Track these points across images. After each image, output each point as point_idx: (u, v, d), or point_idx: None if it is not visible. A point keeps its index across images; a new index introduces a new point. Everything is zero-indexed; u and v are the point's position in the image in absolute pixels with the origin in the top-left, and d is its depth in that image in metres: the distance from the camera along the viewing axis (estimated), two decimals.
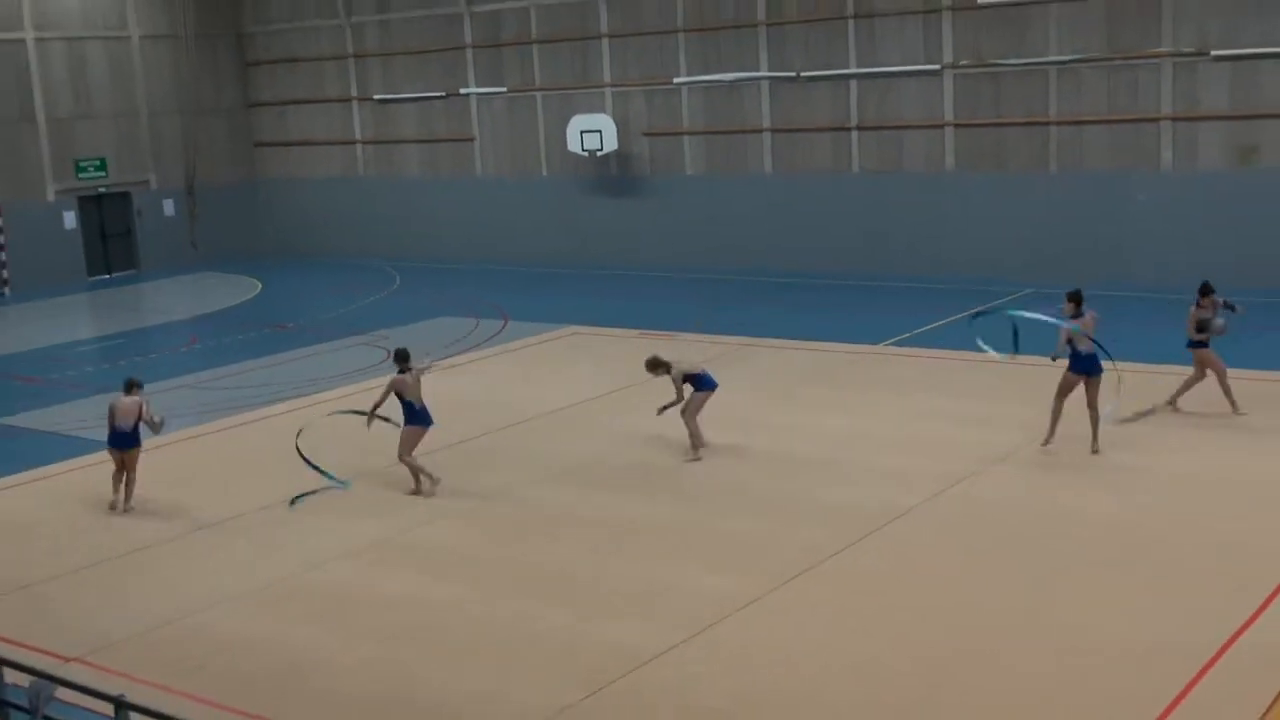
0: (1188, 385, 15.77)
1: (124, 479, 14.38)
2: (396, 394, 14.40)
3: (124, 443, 14.30)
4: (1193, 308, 15.67)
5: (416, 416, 14.41)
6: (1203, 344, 15.56)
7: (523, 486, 14.52)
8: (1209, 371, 15.59)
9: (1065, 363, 14.68)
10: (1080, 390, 14.54)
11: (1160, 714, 8.77)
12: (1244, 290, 22.76)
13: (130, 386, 14.49)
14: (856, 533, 12.43)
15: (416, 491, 14.38)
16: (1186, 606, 10.49)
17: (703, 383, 15.11)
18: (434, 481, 14.35)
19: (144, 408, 14.29)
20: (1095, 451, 14.42)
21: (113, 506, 14.33)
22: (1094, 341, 14.47)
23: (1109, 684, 9.27)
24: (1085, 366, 14.51)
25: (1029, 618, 10.49)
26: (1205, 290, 15.72)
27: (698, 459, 15.00)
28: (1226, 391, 15.48)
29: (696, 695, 9.46)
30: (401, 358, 14.59)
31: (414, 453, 14.43)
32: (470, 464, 15.42)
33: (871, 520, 12.74)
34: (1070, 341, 14.48)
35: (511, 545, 12.80)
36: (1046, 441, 14.68)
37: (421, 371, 14.79)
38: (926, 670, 9.68)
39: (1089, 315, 14.59)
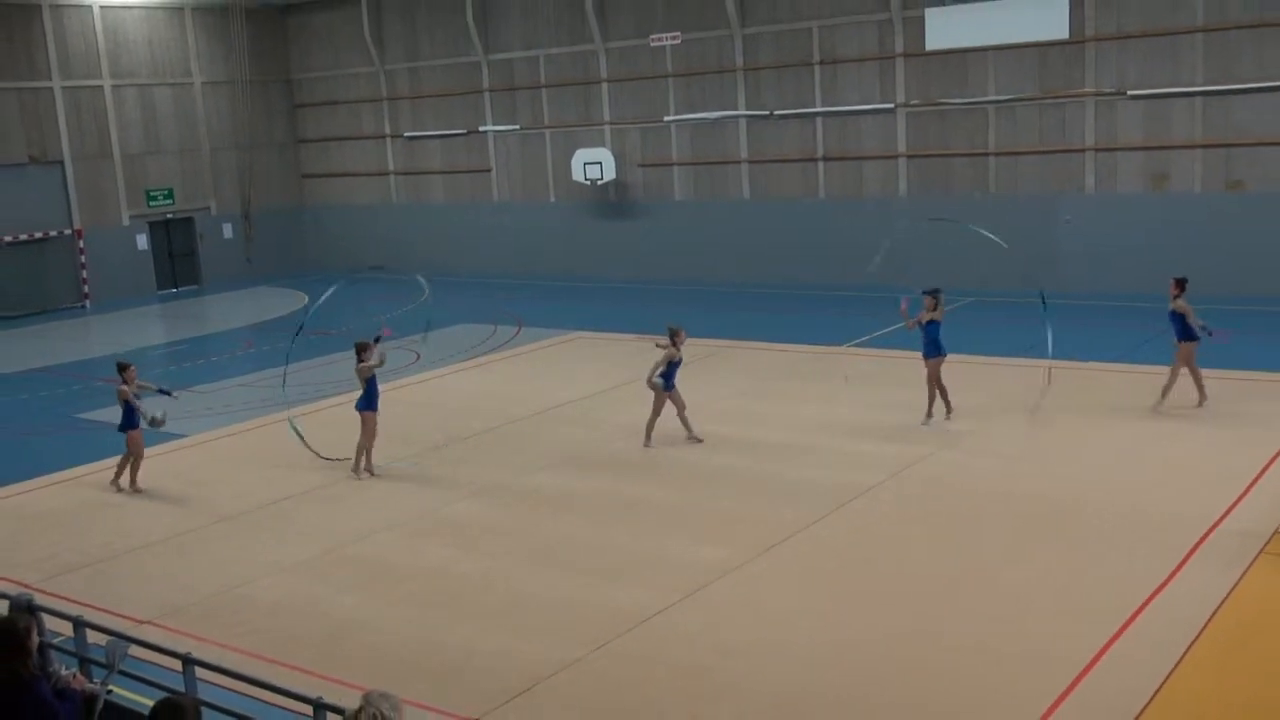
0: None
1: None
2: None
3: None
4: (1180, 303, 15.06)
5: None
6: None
7: (536, 470, 14.46)
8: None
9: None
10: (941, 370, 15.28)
11: (1085, 666, 8.75)
12: (1154, 296, 22.81)
13: (123, 369, 14.42)
14: (826, 508, 12.39)
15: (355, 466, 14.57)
16: (1111, 569, 10.46)
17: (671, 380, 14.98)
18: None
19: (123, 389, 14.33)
20: (928, 420, 15.16)
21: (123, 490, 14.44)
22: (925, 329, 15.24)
23: (1041, 637, 9.25)
24: (938, 351, 15.20)
25: (974, 579, 10.47)
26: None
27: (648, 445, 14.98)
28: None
29: (686, 651, 9.43)
30: (360, 348, 14.52)
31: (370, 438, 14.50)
32: (491, 450, 15.37)
33: (839, 497, 12.70)
34: (925, 327, 15.19)
35: (527, 521, 12.75)
36: (949, 415, 15.32)
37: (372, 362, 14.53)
38: (885, 625, 9.65)
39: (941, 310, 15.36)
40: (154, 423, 14.16)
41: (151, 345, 25.81)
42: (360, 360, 14.41)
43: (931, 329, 15.19)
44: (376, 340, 14.66)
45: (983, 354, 18.80)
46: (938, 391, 15.26)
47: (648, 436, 15.02)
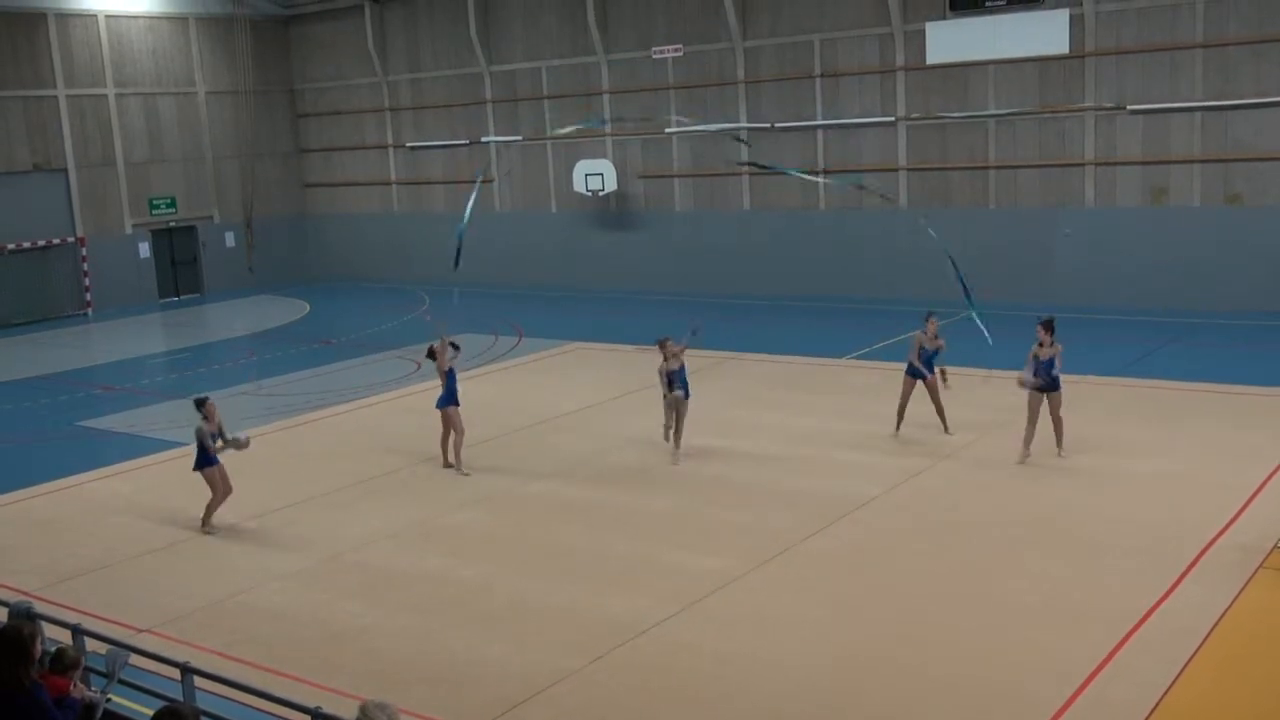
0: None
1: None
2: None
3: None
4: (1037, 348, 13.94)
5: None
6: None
7: (536, 479, 14.44)
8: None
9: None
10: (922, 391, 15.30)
11: (1085, 678, 8.72)
12: (1153, 310, 22.87)
13: (201, 404, 13.08)
14: (825, 519, 12.36)
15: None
16: (1111, 582, 10.43)
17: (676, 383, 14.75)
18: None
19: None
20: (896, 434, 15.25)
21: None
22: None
23: (1040, 649, 9.22)
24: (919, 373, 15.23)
25: (973, 591, 10.43)
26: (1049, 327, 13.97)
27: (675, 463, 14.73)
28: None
29: (685, 661, 9.40)
30: (432, 352, 15.06)
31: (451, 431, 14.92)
32: (491, 459, 15.33)
33: (838, 508, 12.67)
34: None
35: (526, 529, 12.72)
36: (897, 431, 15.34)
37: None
38: (884, 635, 9.63)
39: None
40: (235, 443, 13.01)
41: (153, 353, 25.81)
42: (434, 360, 14.94)
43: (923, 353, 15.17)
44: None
45: (982, 367, 18.76)
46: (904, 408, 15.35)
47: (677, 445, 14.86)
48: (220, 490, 13.12)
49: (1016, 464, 13.92)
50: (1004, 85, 24.66)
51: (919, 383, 15.20)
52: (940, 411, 15.24)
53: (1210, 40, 22.38)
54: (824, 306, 25.98)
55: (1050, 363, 13.88)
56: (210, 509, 13.17)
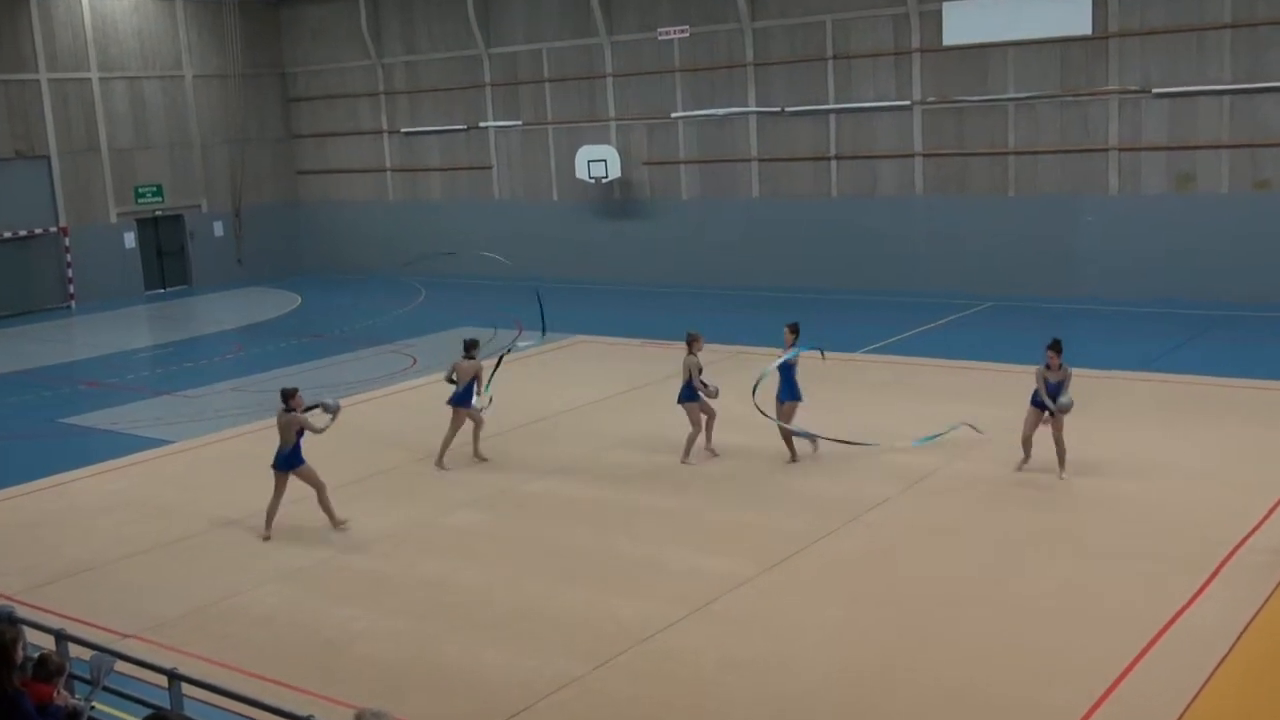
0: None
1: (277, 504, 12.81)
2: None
3: (286, 464, 12.76)
4: (1041, 368, 13.48)
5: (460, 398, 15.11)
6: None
7: (538, 478, 14.45)
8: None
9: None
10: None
11: (1109, 684, 8.71)
12: (1179, 300, 22.82)
13: (288, 397, 12.75)
14: (837, 520, 12.36)
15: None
16: (1134, 585, 10.42)
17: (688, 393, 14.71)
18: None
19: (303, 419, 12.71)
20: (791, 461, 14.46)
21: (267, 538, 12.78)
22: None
23: (1062, 654, 9.21)
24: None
25: (989, 594, 10.43)
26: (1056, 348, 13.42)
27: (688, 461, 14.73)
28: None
29: (690, 666, 9.41)
30: (470, 345, 15.13)
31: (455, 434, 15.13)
32: (492, 456, 15.33)
33: (850, 509, 12.67)
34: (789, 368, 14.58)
35: (529, 530, 12.73)
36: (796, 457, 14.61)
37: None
38: (896, 638, 9.64)
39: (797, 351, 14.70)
40: (327, 409, 12.83)
41: (138, 347, 25.84)
42: (468, 357, 15.01)
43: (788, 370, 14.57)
44: None
45: (997, 361, 18.75)
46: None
47: (687, 452, 14.80)
48: (317, 485, 12.85)
49: (1024, 462, 13.76)
50: (1024, 67, 24.61)
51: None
52: (786, 439, 14.56)
53: (1239, 20, 22.32)
54: (836, 299, 25.95)
55: (1059, 385, 13.37)
56: (326, 510, 12.96)
